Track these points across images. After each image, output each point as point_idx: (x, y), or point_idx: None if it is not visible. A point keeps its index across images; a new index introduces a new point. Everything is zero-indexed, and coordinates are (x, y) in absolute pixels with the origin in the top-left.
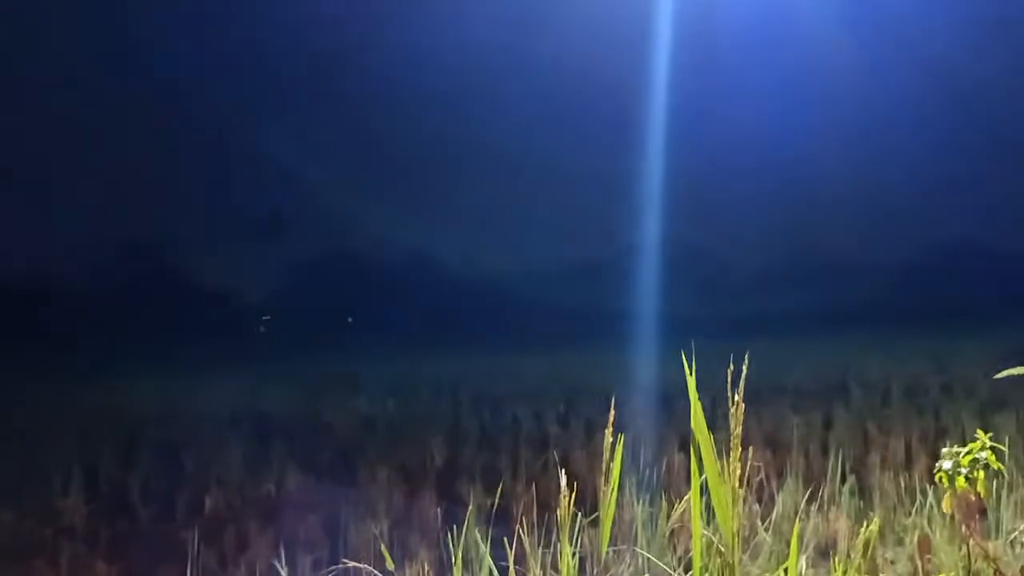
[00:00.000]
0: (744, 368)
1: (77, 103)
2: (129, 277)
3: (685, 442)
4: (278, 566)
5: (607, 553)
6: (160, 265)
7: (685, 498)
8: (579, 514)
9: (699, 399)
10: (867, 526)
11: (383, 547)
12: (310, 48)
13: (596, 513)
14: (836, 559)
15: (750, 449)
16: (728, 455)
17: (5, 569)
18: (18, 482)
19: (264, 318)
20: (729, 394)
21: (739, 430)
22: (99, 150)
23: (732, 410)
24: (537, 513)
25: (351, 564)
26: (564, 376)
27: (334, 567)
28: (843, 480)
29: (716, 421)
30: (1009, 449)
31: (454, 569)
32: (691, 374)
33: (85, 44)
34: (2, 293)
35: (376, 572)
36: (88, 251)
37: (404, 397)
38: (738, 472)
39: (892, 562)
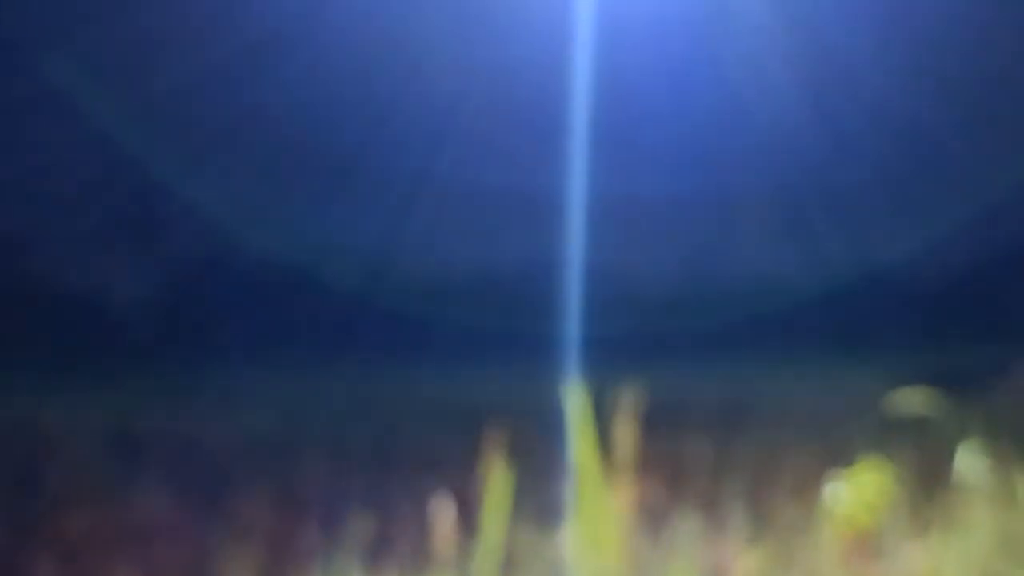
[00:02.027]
0: (639, 386)
1: None
2: None
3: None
4: None
5: None
6: (15, 265)
7: (571, 527)
8: (461, 544)
9: (590, 423)
10: (757, 554)
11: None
12: (201, 32)
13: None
14: None
15: (645, 473)
16: (616, 485)
17: None
18: None
19: (138, 327)
20: (616, 417)
21: (625, 454)
22: None
23: (618, 436)
24: (420, 542)
25: None
26: (457, 396)
27: None
28: (737, 509)
29: (609, 446)
30: (899, 474)
31: None
32: (580, 393)
33: None
34: None
35: None
36: None
37: (287, 415)
38: (626, 498)
39: None
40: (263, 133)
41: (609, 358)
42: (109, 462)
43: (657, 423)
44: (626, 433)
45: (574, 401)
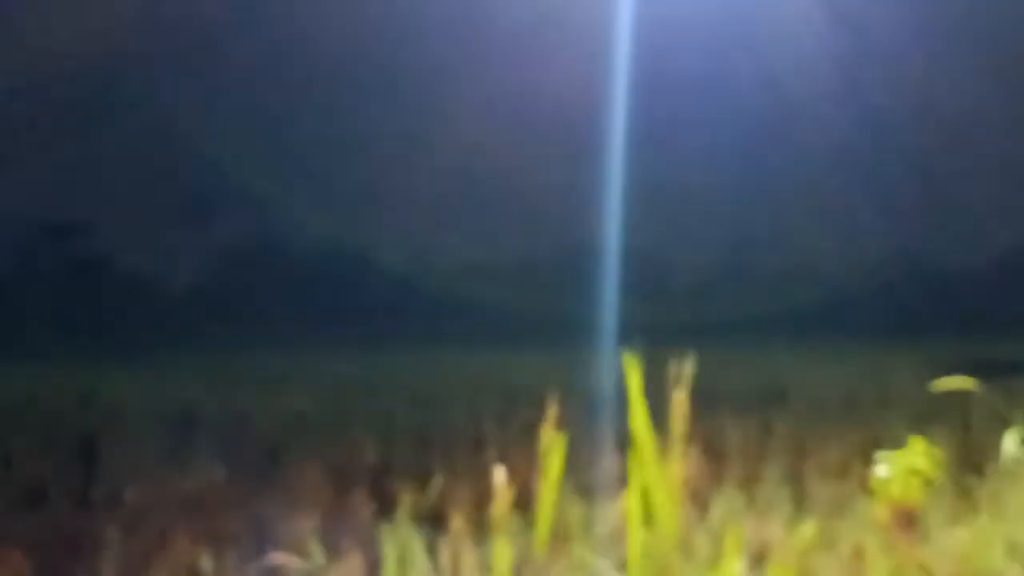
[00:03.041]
0: (688, 368)
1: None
2: (48, 260)
3: (623, 444)
4: (202, 561)
5: (543, 554)
6: (80, 249)
7: (623, 498)
8: (515, 516)
9: (642, 399)
10: (803, 532)
11: (312, 542)
12: (240, 33)
13: (533, 514)
14: (769, 565)
15: (692, 443)
16: (668, 456)
17: None
18: None
19: (191, 309)
20: (671, 394)
21: (681, 429)
22: (16, 131)
23: (674, 409)
24: (471, 513)
25: (279, 557)
26: (502, 376)
27: (261, 560)
28: (779, 488)
29: (656, 424)
30: (942, 461)
31: (386, 566)
32: (633, 371)
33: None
34: None
35: (304, 565)
36: (7, 233)
37: (334, 393)
38: (678, 471)
39: (824, 570)
40: (313, 128)
41: (649, 341)
42: (166, 436)
43: (699, 404)
44: (680, 409)
45: (629, 377)
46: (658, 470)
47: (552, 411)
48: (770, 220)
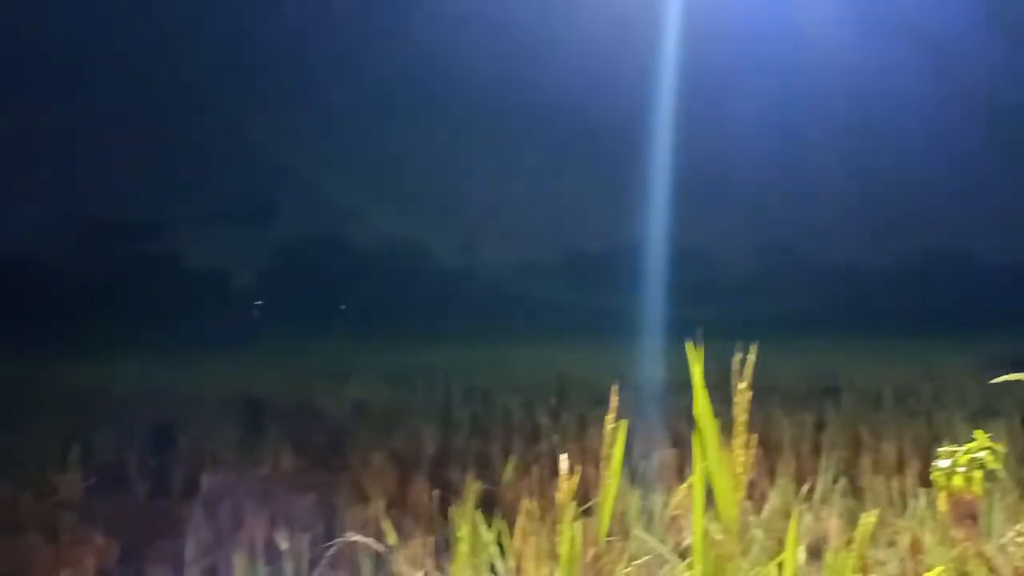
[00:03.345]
0: (750, 357)
1: (75, 86)
2: (123, 258)
3: (677, 437)
4: (279, 541)
5: (603, 540)
6: (153, 247)
7: (684, 485)
8: (572, 502)
9: (705, 389)
10: (861, 524)
11: (384, 524)
12: (306, 37)
13: (589, 503)
14: (827, 558)
15: (754, 438)
16: (729, 445)
17: (1, 541)
18: (14, 457)
19: (257, 303)
20: (734, 382)
21: (744, 416)
22: (94, 133)
23: (736, 398)
24: (529, 502)
25: (355, 538)
26: (555, 369)
27: (337, 540)
28: (834, 481)
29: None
30: (1001, 452)
31: (458, 549)
32: (696, 361)
33: (84, 30)
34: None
35: (378, 546)
36: (82, 232)
37: (395, 384)
38: (741, 459)
39: (883, 563)
40: (372, 130)
41: (697, 335)
42: (238, 424)
43: (752, 397)
44: (744, 398)
45: (692, 367)
46: (721, 457)
47: (614, 401)
48: (818, 216)
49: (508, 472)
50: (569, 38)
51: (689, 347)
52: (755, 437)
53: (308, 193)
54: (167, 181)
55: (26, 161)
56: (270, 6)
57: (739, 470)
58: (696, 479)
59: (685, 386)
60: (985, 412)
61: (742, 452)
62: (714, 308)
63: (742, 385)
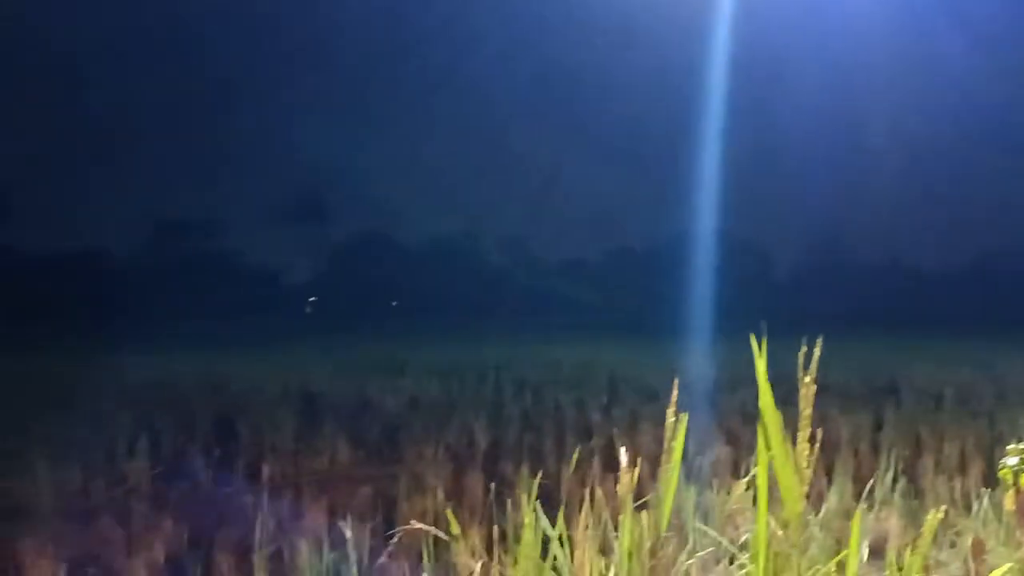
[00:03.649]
0: (815, 351)
1: (137, 92)
2: (185, 255)
3: (731, 434)
4: (343, 527)
5: (662, 534)
6: (213, 244)
7: (744, 481)
8: (640, 492)
9: (768, 383)
10: (927, 522)
11: (448, 512)
12: (356, 39)
13: (642, 499)
14: (890, 557)
15: (819, 432)
16: (794, 439)
17: (74, 525)
18: (85, 445)
19: (311, 299)
20: (799, 376)
21: (809, 410)
22: (153, 135)
23: (801, 391)
24: (582, 497)
25: (418, 526)
26: (605, 365)
27: (401, 528)
28: (894, 481)
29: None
30: None
31: (510, 541)
32: (760, 356)
33: (142, 36)
34: (64, 268)
35: (442, 534)
36: (148, 229)
37: (446, 379)
38: (806, 453)
39: (945, 564)
40: (422, 131)
41: (751, 329)
42: (295, 417)
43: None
44: (809, 392)
45: (756, 361)
46: (785, 451)
47: (674, 395)
48: (877, 212)
49: (573, 464)
50: (619, 33)
51: (752, 341)
52: (820, 431)
53: (360, 192)
54: (226, 181)
55: (96, 162)
56: (321, 11)
57: (803, 464)
58: (760, 472)
59: (736, 383)
60: None
61: (806, 446)
62: (767, 305)
63: (807, 379)
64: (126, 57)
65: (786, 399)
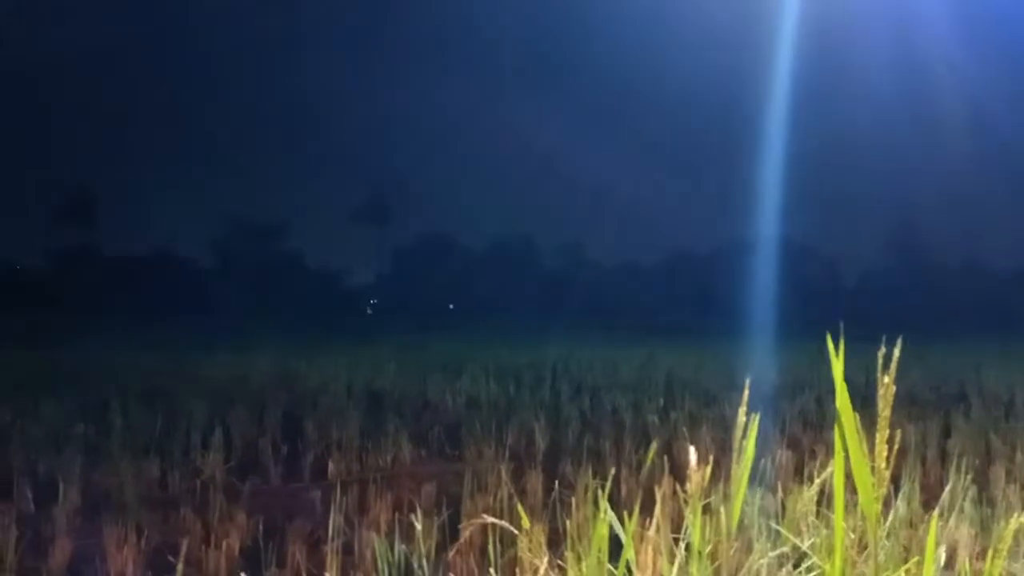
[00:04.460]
0: (896, 350)
1: (211, 103)
2: (250, 256)
3: (792, 439)
4: (413, 519)
5: (732, 536)
6: (280, 245)
7: (815, 483)
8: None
9: (836, 386)
10: (1004, 530)
11: (519, 507)
12: (421, 41)
13: (706, 500)
14: (963, 566)
15: (899, 433)
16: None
17: (154, 515)
18: (163, 438)
19: (372, 301)
20: (879, 375)
21: (887, 412)
22: (224, 142)
23: (881, 392)
24: (642, 499)
25: (490, 520)
26: (663, 368)
27: (473, 521)
28: (964, 490)
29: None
30: None
31: (572, 539)
32: (837, 357)
33: (206, 36)
34: (140, 269)
35: (512, 528)
36: (215, 232)
37: (505, 380)
38: (884, 454)
39: (1018, 575)
40: (481, 132)
41: (819, 332)
42: (360, 415)
43: (872, 398)
44: (888, 392)
45: (833, 362)
46: (862, 453)
47: (745, 393)
48: (946, 215)
49: (650, 459)
50: (683, 37)
51: (828, 342)
52: (898, 433)
53: (421, 195)
54: (292, 184)
55: (165, 165)
56: (394, 10)
57: (882, 465)
58: (837, 472)
59: (799, 388)
60: None
61: (884, 447)
62: (833, 310)
63: (887, 379)
64: (198, 62)
65: (852, 404)
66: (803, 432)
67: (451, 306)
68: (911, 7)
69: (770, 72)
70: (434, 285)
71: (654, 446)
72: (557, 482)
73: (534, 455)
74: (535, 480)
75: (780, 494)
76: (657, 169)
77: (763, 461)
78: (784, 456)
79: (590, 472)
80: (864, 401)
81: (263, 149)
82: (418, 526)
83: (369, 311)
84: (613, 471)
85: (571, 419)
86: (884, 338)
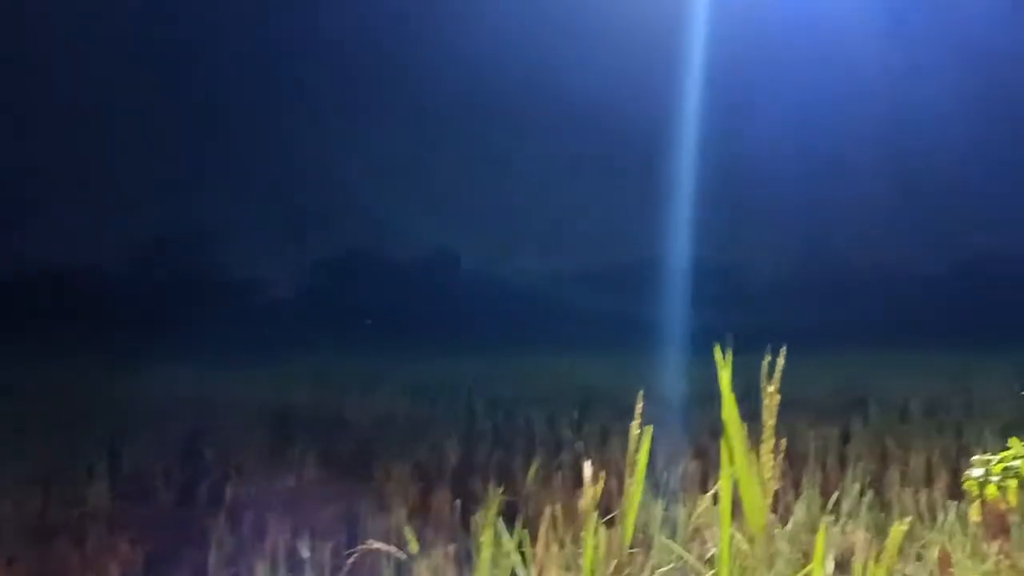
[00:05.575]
0: (780, 360)
1: (120, 102)
2: (160, 268)
3: (700, 449)
4: (301, 549)
5: (627, 550)
6: (191, 257)
7: (709, 493)
8: (595, 511)
9: (733, 398)
10: (892, 534)
11: (407, 531)
12: (343, 49)
13: (611, 515)
14: (856, 570)
15: (783, 443)
16: (757, 452)
17: (32, 548)
18: (46, 464)
19: (287, 317)
20: (762, 386)
21: (772, 422)
22: (137, 147)
23: (765, 402)
24: (551, 513)
25: (376, 545)
26: (580, 381)
27: (358, 548)
28: (861, 494)
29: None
30: None
31: (480, 558)
32: (725, 367)
33: (126, 43)
34: (41, 281)
35: (400, 554)
36: (123, 242)
37: (420, 396)
38: (769, 464)
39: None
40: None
41: (722, 342)
42: (266, 435)
43: (779, 408)
44: (772, 402)
45: (720, 374)
46: (748, 464)
47: (639, 408)
48: (848, 223)
49: (531, 477)
50: (598, 46)
51: (717, 353)
52: (784, 442)
53: (339, 206)
54: (201, 197)
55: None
56: (304, 19)
57: (767, 476)
58: (723, 485)
59: (710, 398)
60: (1018, 425)
61: (770, 458)
62: (741, 318)
63: (770, 389)
64: (115, 68)
65: (756, 413)
66: (710, 441)
67: (369, 321)
68: (823, 16)
69: (686, 81)
70: (352, 299)
71: (535, 465)
72: (459, 501)
73: (444, 472)
74: (443, 498)
75: (684, 505)
76: (577, 180)
77: (668, 472)
78: (691, 466)
79: (498, 488)
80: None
81: (176, 155)
82: (305, 554)
83: (283, 327)
84: (520, 487)
85: (484, 434)
86: (769, 348)
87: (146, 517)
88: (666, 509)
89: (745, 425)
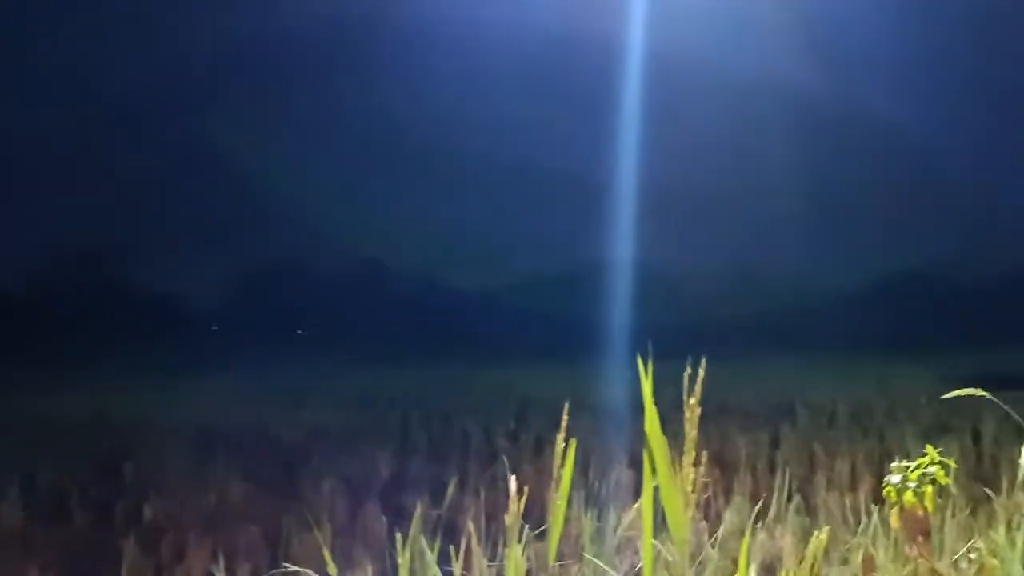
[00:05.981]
0: (700, 372)
1: (20, 110)
2: (72, 285)
3: (634, 458)
4: (216, 573)
5: (554, 565)
6: (104, 272)
7: (635, 507)
8: (526, 526)
9: (655, 409)
10: (814, 541)
11: (325, 552)
12: (264, 49)
13: (543, 527)
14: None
15: (704, 454)
16: (680, 463)
17: None
18: None
19: (212, 328)
20: (684, 398)
21: (694, 433)
22: (42, 158)
23: (687, 414)
24: (485, 525)
25: (291, 569)
26: (516, 391)
27: (275, 572)
28: (789, 499)
29: (667, 434)
30: (955, 471)
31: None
32: (647, 378)
33: (31, 48)
34: None
35: (315, 575)
36: (30, 259)
37: (352, 409)
38: (691, 476)
39: None
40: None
41: (658, 353)
42: (188, 452)
43: (709, 415)
44: (693, 414)
45: (643, 385)
46: (671, 476)
47: (564, 421)
48: (778, 235)
49: (450, 494)
50: (531, 58)
51: (639, 363)
52: (706, 455)
53: (267, 217)
54: (119, 206)
55: None
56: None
57: (689, 488)
58: (646, 498)
59: (642, 407)
60: (937, 429)
61: (692, 470)
62: (675, 328)
63: (691, 400)
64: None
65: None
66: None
67: (299, 331)
68: (758, 36)
69: (618, 94)
70: (281, 310)
71: (454, 480)
72: (392, 515)
73: (374, 487)
74: (373, 513)
75: (616, 516)
76: (508, 192)
77: (600, 483)
78: (625, 475)
79: (430, 502)
80: (702, 417)
81: (83, 165)
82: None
83: (211, 338)
84: (453, 500)
85: (418, 447)
86: (689, 359)
87: (59, 539)
88: (598, 520)
89: (679, 435)
